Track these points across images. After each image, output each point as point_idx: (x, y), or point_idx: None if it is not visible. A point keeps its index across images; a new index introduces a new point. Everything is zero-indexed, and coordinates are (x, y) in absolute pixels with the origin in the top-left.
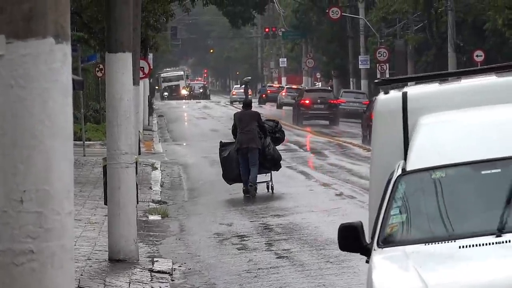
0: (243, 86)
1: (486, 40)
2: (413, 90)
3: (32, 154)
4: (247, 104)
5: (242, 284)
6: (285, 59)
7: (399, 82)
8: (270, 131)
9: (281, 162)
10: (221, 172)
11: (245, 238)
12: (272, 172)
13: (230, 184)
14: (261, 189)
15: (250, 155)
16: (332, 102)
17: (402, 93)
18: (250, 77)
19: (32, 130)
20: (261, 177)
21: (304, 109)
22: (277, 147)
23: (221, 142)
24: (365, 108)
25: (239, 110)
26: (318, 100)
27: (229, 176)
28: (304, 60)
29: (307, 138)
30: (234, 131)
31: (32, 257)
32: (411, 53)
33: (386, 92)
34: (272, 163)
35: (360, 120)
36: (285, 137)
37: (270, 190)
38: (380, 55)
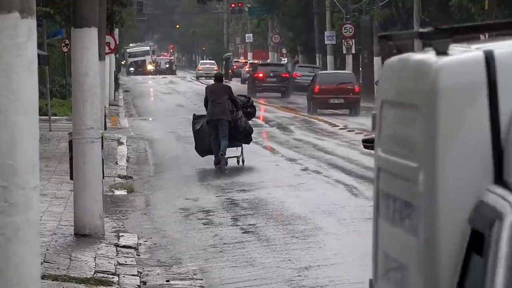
0: (223, 61)
1: (451, 16)
2: (504, 47)
3: None
4: (218, 78)
5: (208, 259)
6: (251, 34)
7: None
8: (242, 105)
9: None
10: (188, 147)
11: (210, 213)
12: (243, 145)
13: (203, 156)
14: (231, 162)
15: (220, 127)
16: (284, 75)
17: (484, 52)
18: (230, 53)
19: None
20: (232, 151)
21: (258, 82)
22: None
23: (194, 114)
24: (310, 81)
25: (211, 83)
26: (271, 74)
27: (202, 148)
28: (270, 35)
29: (261, 110)
30: (206, 103)
31: None
32: (377, 28)
33: (442, 52)
34: (244, 135)
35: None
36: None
37: (241, 163)
38: (346, 30)
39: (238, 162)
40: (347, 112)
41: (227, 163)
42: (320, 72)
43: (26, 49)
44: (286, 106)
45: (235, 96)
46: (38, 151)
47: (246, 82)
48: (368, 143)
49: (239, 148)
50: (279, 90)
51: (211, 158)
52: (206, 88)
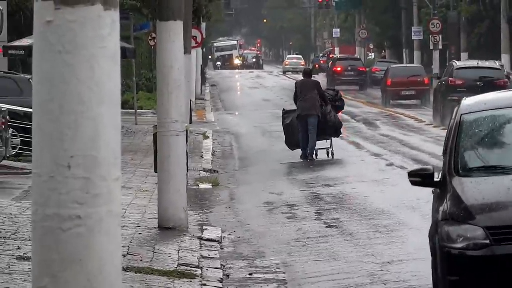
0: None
1: None
2: None
3: (79, 120)
4: (307, 73)
5: (291, 253)
6: (338, 29)
7: None
8: (331, 99)
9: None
10: (273, 142)
11: (294, 207)
12: (332, 138)
13: (292, 150)
14: (321, 155)
15: (309, 121)
16: (361, 69)
17: None
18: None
19: (79, 96)
20: (321, 144)
21: (336, 75)
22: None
23: (283, 109)
24: (383, 75)
25: (300, 79)
26: (349, 67)
27: (291, 142)
28: (357, 30)
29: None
30: (296, 98)
31: (79, 223)
32: (464, 24)
33: None
34: (333, 129)
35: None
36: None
37: (330, 155)
38: (433, 26)
39: (327, 154)
40: (419, 102)
41: (317, 155)
42: (391, 66)
43: (109, 41)
44: (371, 101)
45: (324, 91)
46: (120, 142)
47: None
48: (417, 177)
49: (329, 141)
50: (357, 83)
51: (297, 152)
52: (295, 83)
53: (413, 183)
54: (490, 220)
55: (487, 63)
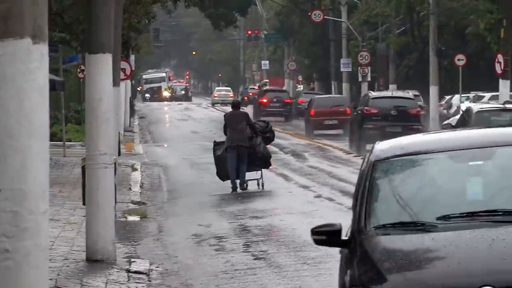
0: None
1: (467, 45)
2: None
3: (8, 153)
4: (235, 105)
5: (219, 285)
6: (267, 61)
7: None
8: (261, 131)
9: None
10: (202, 174)
11: (223, 240)
12: (262, 170)
13: (223, 181)
14: (252, 185)
15: (240, 152)
16: (286, 101)
17: None
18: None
19: (8, 129)
20: (251, 175)
21: (262, 106)
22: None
23: (214, 141)
24: (307, 106)
25: (229, 111)
26: (274, 99)
27: (223, 174)
28: (286, 62)
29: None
30: (225, 130)
31: (7, 256)
32: (393, 56)
33: None
34: (263, 161)
35: None
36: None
37: (261, 186)
38: (362, 58)
39: (258, 185)
40: (341, 131)
41: (247, 186)
42: (315, 96)
43: (38, 74)
44: (299, 133)
45: (255, 122)
46: (48, 175)
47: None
48: (321, 235)
49: (259, 172)
50: (282, 115)
51: (225, 184)
52: (224, 115)
53: (317, 242)
54: (406, 284)
55: (400, 93)
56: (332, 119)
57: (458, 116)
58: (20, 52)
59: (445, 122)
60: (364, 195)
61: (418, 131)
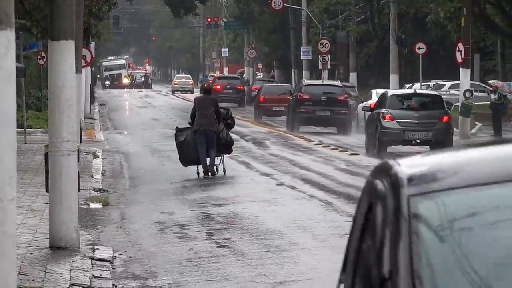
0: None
1: (428, 33)
2: None
3: None
4: (207, 90)
5: (183, 273)
6: (227, 49)
7: None
8: (222, 117)
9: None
10: (163, 161)
11: (186, 227)
12: (224, 156)
13: (186, 166)
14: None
15: (208, 137)
16: (239, 87)
17: None
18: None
19: None
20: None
21: (216, 93)
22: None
23: (177, 127)
24: (256, 93)
25: (200, 95)
26: (228, 86)
27: (187, 159)
28: (246, 50)
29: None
30: (193, 115)
31: None
32: (353, 44)
33: None
34: (226, 146)
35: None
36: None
37: (223, 172)
38: (322, 46)
39: (217, 171)
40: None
41: (217, 170)
42: (265, 84)
43: (5, 61)
44: (248, 117)
45: (219, 108)
46: (16, 162)
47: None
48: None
49: (219, 158)
50: (235, 101)
51: (186, 171)
52: (194, 99)
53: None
54: None
55: (331, 82)
56: (279, 106)
57: (370, 101)
58: None
59: (361, 105)
60: (399, 265)
61: (345, 115)
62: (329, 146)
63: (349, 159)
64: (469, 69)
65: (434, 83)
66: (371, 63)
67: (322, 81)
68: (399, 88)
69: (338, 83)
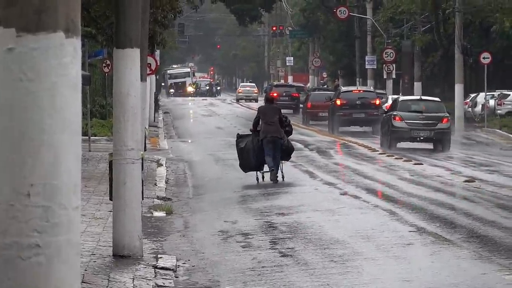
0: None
1: (493, 42)
2: None
3: (40, 148)
4: (270, 100)
5: (246, 282)
6: (292, 58)
7: None
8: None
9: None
10: (227, 170)
11: (249, 236)
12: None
13: (246, 172)
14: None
15: (275, 144)
16: (294, 95)
17: None
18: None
19: (40, 124)
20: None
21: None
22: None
23: (238, 134)
24: (305, 100)
25: (263, 105)
26: (284, 93)
27: (246, 165)
28: (311, 59)
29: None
30: (256, 123)
31: (38, 251)
32: (418, 54)
33: None
34: (286, 153)
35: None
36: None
37: (282, 178)
38: (387, 55)
39: (283, 177)
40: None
41: (283, 177)
42: (312, 92)
43: (71, 69)
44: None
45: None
46: (80, 171)
47: None
48: None
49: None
50: (290, 107)
51: (250, 180)
52: (258, 108)
53: None
54: None
55: (364, 88)
56: (325, 111)
57: (386, 104)
58: (53, 46)
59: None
60: None
61: (377, 116)
62: (392, 156)
63: (413, 169)
64: None
65: (499, 92)
66: (436, 73)
67: (357, 88)
68: (464, 98)
69: (371, 89)
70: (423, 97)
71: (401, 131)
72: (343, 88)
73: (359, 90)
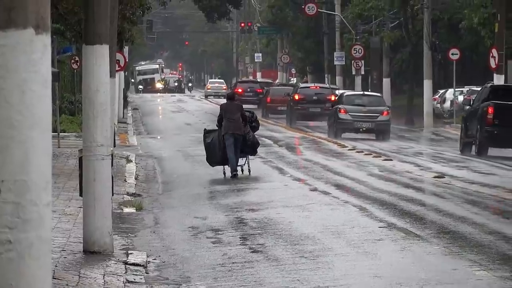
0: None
1: (461, 39)
2: None
3: (10, 145)
4: (231, 97)
5: (217, 278)
6: (260, 54)
7: None
8: (248, 120)
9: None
10: (196, 166)
11: (219, 232)
12: (249, 156)
13: (213, 166)
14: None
15: (236, 140)
16: (258, 90)
17: None
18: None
19: (10, 120)
20: (238, 162)
21: (238, 95)
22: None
23: (205, 129)
24: (264, 94)
25: (225, 102)
26: (248, 89)
27: (213, 160)
28: (279, 55)
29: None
30: (220, 120)
31: (9, 247)
32: (387, 50)
33: None
34: (252, 148)
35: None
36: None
37: (248, 172)
38: (355, 52)
39: (242, 171)
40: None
41: (243, 171)
42: (271, 87)
43: (41, 65)
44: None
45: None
46: (51, 167)
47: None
48: None
49: (244, 159)
50: (255, 103)
51: (219, 176)
52: (220, 105)
53: None
54: None
55: (321, 85)
56: (283, 105)
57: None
58: (23, 43)
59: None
60: None
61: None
62: (362, 152)
63: (383, 165)
64: (503, 75)
65: (468, 88)
66: (404, 69)
67: (314, 84)
68: (433, 94)
69: (327, 85)
70: (366, 92)
71: (346, 122)
72: (301, 85)
73: (316, 87)
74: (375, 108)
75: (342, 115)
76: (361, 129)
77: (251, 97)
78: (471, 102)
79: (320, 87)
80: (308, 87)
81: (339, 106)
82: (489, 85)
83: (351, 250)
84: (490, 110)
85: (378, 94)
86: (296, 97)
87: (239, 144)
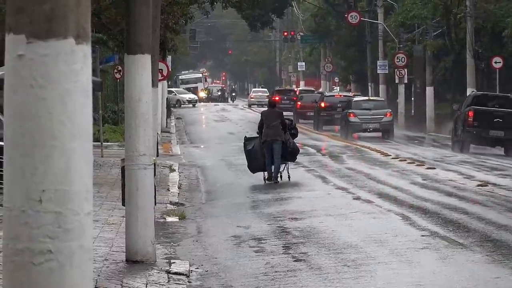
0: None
1: (504, 47)
2: None
3: (51, 154)
4: (272, 104)
5: (259, 287)
6: (304, 63)
7: None
8: (287, 127)
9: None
10: (240, 175)
11: (262, 241)
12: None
13: (253, 173)
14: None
15: (275, 146)
16: (294, 99)
17: None
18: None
19: (51, 130)
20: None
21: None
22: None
23: (245, 137)
24: (295, 101)
25: (266, 109)
26: (285, 97)
27: (254, 166)
28: (323, 64)
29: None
30: (261, 127)
31: (50, 257)
32: (430, 58)
33: None
34: (292, 154)
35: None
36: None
37: (288, 178)
38: (398, 60)
39: (281, 177)
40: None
41: (281, 177)
42: (302, 94)
43: (82, 75)
44: (336, 135)
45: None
46: (92, 177)
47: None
48: None
49: (283, 165)
50: (291, 110)
51: (262, 186)
52: (261, 113)
53: None
54: None
55: (344, 93)
56: (311, 111)
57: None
58: (64, 52)
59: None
60: None
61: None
62: (405, 160)
63: (426, 173)
64: None
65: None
66: (447, 77)
67: (338, 93)
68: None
69: (350, 94)
70: (371, 98)
71: (355, 124)
72: (327, 93)
73: (340, 95)
74: (380, 111)
75: (351, 119)
76: (368, 130)
77: (287, 105)
78: (459, 107)
79: (343, 95)
80: (333, 95)
81: (349, 111)
82: (473, 93)
83: (394, 259)
84: (471, 114)
85: (382, 98)
86: (322, 104)
87: (279, 149)
